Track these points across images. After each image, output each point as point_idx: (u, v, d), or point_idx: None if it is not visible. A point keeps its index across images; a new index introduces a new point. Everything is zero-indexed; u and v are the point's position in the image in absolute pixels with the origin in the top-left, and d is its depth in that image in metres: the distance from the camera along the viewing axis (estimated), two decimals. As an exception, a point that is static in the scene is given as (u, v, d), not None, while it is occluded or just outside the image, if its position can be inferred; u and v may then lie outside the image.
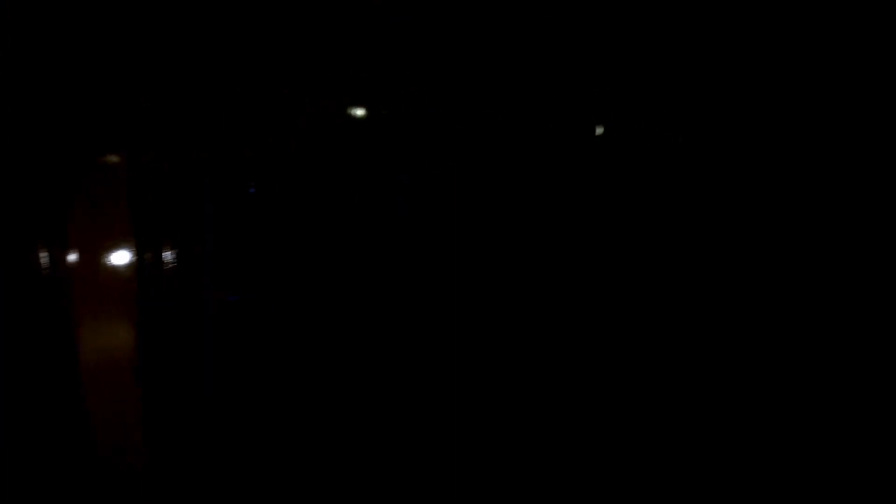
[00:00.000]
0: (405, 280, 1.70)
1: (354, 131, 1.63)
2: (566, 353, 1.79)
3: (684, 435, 1.72)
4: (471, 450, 1.66)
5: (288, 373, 1.56)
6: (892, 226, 1.65)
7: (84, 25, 1.36)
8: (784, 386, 1.72)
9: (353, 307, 1.66)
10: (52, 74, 1.35)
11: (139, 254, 1.46)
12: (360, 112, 1.61)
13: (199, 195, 1.48)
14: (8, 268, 1.34)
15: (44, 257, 1.36)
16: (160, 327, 1.46)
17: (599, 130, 1.72)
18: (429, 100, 1.66)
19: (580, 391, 1.75)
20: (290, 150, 1.57)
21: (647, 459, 1.70)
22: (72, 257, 1.40)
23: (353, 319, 1.64)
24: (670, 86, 1.73)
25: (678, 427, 1.72)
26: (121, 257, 1.43)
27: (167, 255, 1.48)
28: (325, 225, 1.59)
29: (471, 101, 1.71)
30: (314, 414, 1.57)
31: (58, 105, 1.36)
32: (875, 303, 1.67)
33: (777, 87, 1.70)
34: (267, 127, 1.54)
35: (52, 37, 1.33)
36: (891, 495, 1.58)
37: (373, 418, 1.63)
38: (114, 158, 1.42)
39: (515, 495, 1.64)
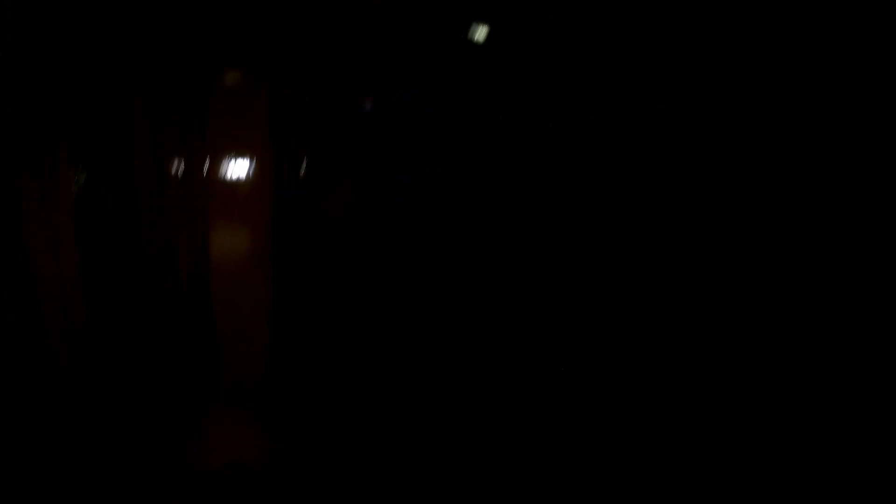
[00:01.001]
0: (406, 279, 1.70)
1: (355, 131, 1.63)
2: (567, 351, 1.79)
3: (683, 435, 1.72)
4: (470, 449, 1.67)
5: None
6: (891, 226, 1.65)
7: None
8: (782, 389, 1.72)
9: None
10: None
11: (277, 162, 1.50)
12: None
13: (333, 113, 1.54)
14: (140, 168, 1.38)
15: (179, 162, 1.41)
16: (293, 232, 1.53)
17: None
18: (429, 100, 1.66)
19: (579, 390, 1.76)
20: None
21: (647, 464, 1.70)
22: (207, 161, 1.45)
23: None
24: (670, 86, 1.73)
25: (679, 429, 1.72)
26: (257, 164, 1.47)
27: (302, 166, 1.53)
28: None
29: (471, 101, 1.71)
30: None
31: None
32: (874, 306, 1.67)
33: (777, 87, 1.70)
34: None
35: None
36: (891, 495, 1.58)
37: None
38: (250, 71, 1.47)
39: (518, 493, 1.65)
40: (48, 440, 1.50)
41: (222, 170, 1.43)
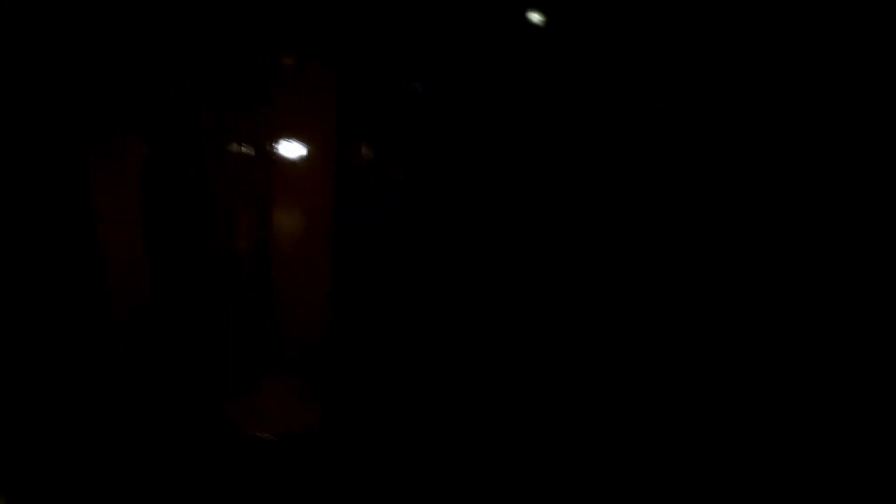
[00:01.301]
0: (406, 283, 1.70)
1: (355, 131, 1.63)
2: (569, 355, 1.79)
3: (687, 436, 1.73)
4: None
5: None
6: (892, 227, 1.66)
7: None
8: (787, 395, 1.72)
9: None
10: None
11: (340, 146, 1.50)
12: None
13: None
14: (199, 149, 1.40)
15: (242, 138, 1.42)
16: (354, 212, 1.55)
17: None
18: (429, 100, 1.66)
19: (583, 394, 1.76)
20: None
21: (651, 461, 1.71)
22: (268, 145, 1.45)
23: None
24: (671, 86, 1.73)
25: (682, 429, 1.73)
26: (320, 149, 1.46)
27: (366, 152, 1.55)
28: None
29: (471, 101, 1.71)
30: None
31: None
32: (878, 307, 1.67)
33: (781, 86, 1.70)
34: None
35: None
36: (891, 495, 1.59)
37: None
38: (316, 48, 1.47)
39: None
40: (107, 408, 1.52)
41: (285, 149, 1.43)
